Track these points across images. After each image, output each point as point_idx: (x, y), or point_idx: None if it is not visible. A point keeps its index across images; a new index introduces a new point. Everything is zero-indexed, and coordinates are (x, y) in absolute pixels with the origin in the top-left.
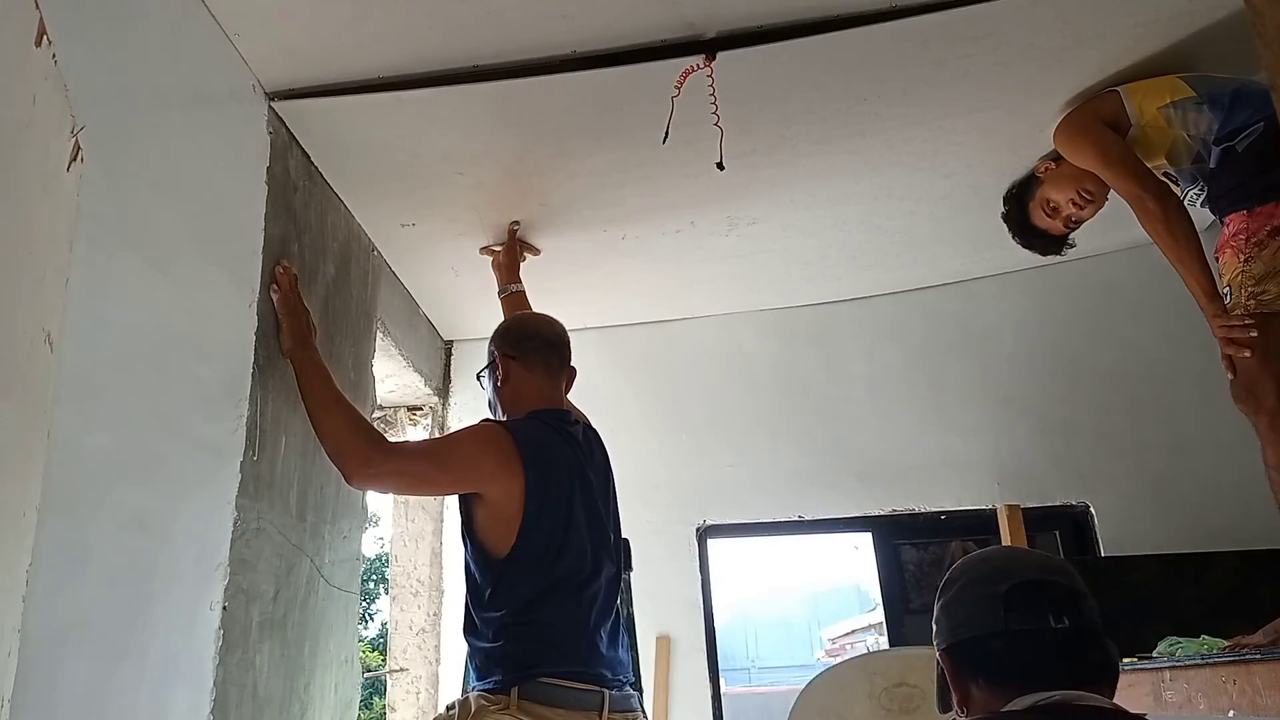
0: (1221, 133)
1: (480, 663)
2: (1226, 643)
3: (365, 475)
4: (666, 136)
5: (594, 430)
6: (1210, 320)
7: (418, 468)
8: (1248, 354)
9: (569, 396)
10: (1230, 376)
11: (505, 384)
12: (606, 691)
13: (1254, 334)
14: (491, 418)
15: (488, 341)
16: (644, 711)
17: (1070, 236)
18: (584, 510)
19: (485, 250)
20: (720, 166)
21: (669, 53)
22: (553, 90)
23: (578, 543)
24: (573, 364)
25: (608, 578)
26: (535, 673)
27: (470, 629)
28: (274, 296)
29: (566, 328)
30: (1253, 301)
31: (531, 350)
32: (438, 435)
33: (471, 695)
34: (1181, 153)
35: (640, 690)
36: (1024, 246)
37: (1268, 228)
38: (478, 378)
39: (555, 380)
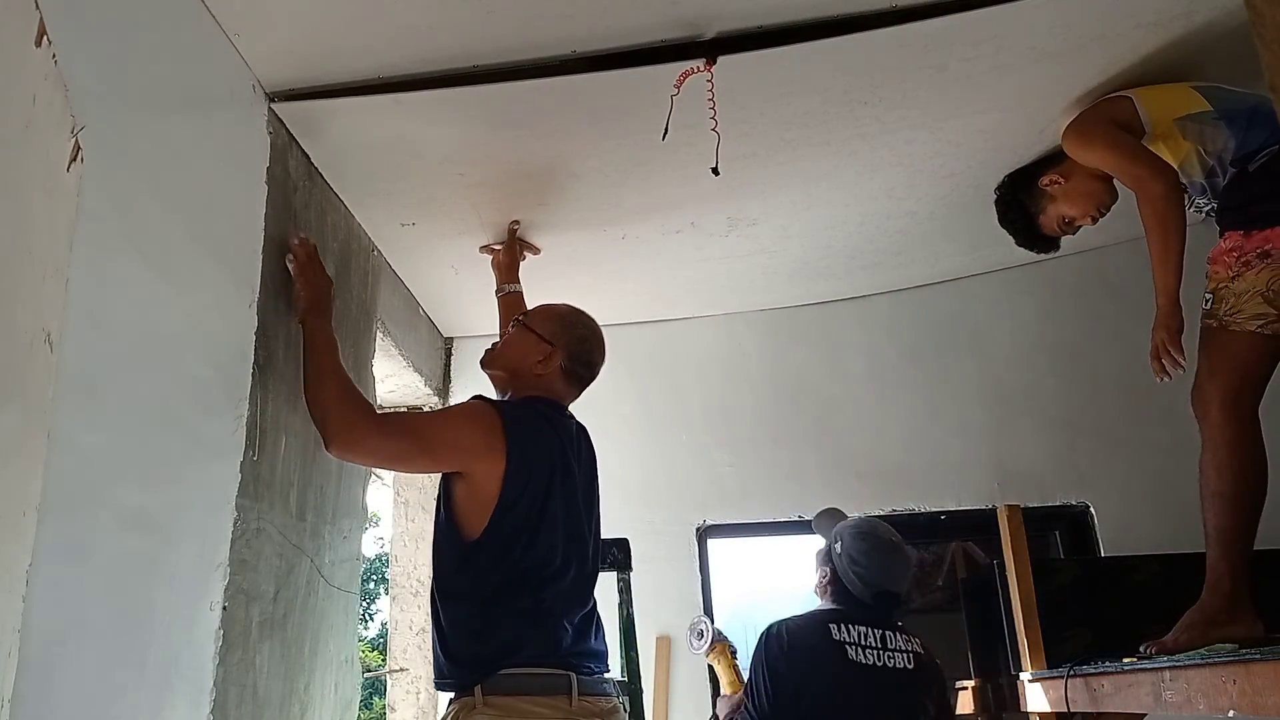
0: (1238, 154)
1: (445, 664)
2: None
3: (346, 443)
4: (666, 133)
5: (584, 429)
6: (1157, 323)
7: (400, 446)
8: (1160, 380)
9: None
10: (1159, 380)
11: (535, 367)
12: (574, 675)
13: (1180, 370)
14: (483, 396)
15: (554, 308)
16: (620, 701)
17: None
18: (561, 503)
19: (485, 249)
20: (715, 172)
21: (669, 54)
22: (553, 91)
23: (549, 534)
24: None
25: (580, 575)
26: (496, 667)
27: (435, 622)
28: (290, 266)
29: None
30: (1228, 318)
31: (575, 377)
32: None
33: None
34: (1195, 165)
35: (640, 690)
36: (1024, 248)
37: (1258, 251)
38: (516, 319)
39: (571, 399)
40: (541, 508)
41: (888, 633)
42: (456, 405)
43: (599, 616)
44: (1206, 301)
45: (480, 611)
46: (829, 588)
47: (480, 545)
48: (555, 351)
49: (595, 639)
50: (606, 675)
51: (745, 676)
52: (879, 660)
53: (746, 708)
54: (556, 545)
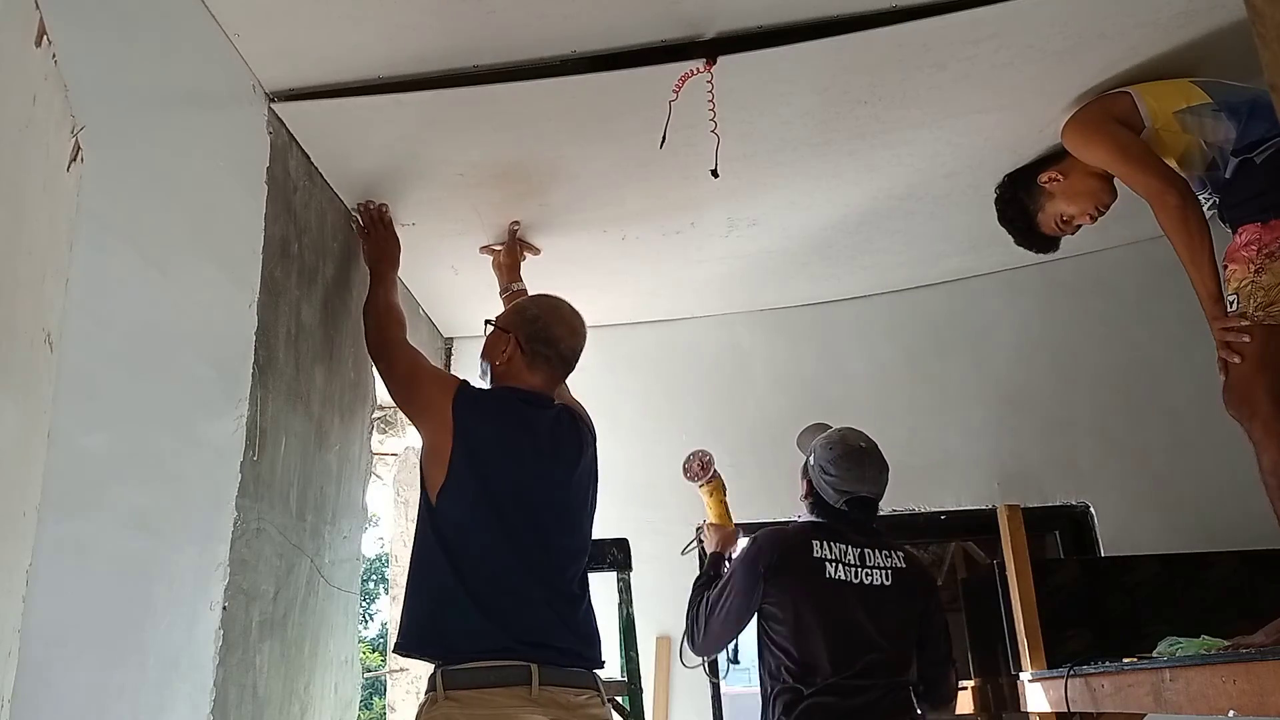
0: (1240, 144)
1: (404, 624)
2: (1226, 643)
3: (369, 344)
4: (664, 141)
5: (580, 421)
6: (1211, 322)
7: (389, 359)
8: (1238, 360)
9: (570, 390)
10: (1223, 378)
11: (500, 357)
12: (534, 665)
13: (1247, 339)
14: (463, 377)
15: (517, 301)
16: (602, 693)
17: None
18: (522, 490)
19: (485, 249)
20: (715, 174)
21: (669, 54)
22: (553, 92)
23: (506, 521)
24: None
25: (549, 565)
26: (454, 657)
27: (408, 584)
28: (355, 228)
29: None
30: (1260, 313)
31: (540, 358)
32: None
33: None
34: (1196, 159)
35: (640, 690)
36: (1023, 247)
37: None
38: (486, 322)
39: (549, 385)
40: (495, 493)
41: (866, 550)
42: (442, 370)
43: (585, 609)
44: (1232, 303)
45: (449, 585)
46: (808, 500)
47: (440, 512)
48: (510, 337)
49: (571, 631)
50: (592, 670)
51: (731, 517)
52: (856, 578)
53: (718, 603)
54: (518, 531)
